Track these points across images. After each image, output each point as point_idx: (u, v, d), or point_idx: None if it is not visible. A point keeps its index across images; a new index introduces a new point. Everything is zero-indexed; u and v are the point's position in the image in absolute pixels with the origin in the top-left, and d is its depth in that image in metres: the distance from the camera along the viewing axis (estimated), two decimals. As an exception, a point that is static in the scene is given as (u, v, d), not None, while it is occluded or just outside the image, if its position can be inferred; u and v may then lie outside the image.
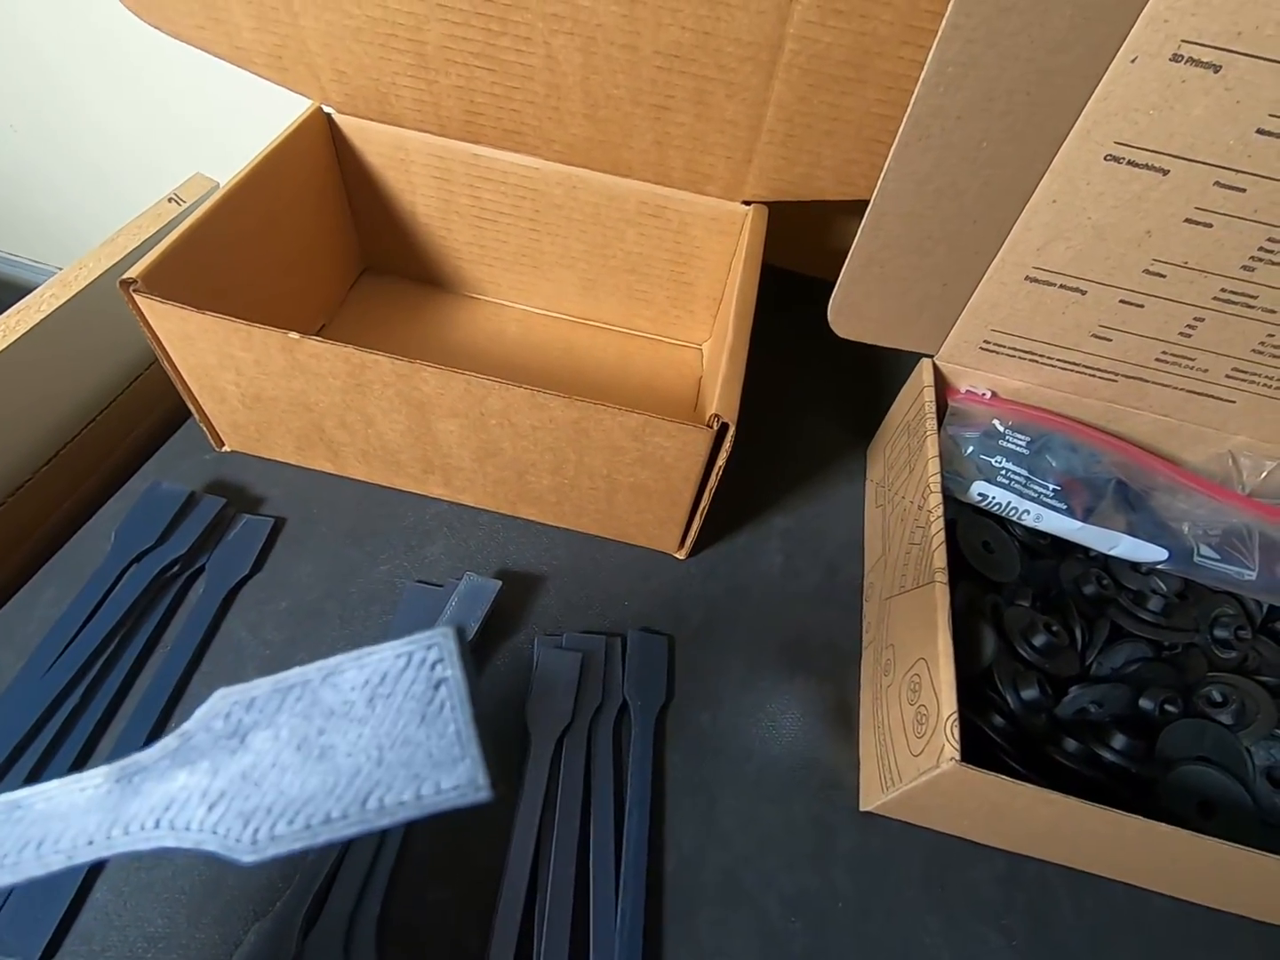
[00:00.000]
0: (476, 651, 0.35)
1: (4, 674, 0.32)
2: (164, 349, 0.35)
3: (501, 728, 0.33)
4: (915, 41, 0.33)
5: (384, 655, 0.11)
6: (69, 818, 0.11)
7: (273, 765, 0.10)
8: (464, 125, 0.42)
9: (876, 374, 0.52)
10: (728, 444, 0.32)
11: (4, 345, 0.37)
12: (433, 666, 0.11)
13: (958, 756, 0.26)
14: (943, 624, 0.30)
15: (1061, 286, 0.35)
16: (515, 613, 0.38)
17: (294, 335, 0.32)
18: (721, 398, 0.32)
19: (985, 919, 0.31)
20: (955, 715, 0.27)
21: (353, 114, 0.43)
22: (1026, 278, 0.35)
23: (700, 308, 0.49)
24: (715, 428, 0.31)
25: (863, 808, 0.34)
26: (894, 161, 0.30)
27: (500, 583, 0.36)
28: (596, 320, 0.52)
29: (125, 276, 0.32)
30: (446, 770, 0.10)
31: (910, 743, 0.30)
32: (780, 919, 0.31)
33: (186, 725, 0.12)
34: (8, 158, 0.85)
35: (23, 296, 0.40)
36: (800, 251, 0.52)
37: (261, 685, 0.11)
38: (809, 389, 0.51)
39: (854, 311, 0.37)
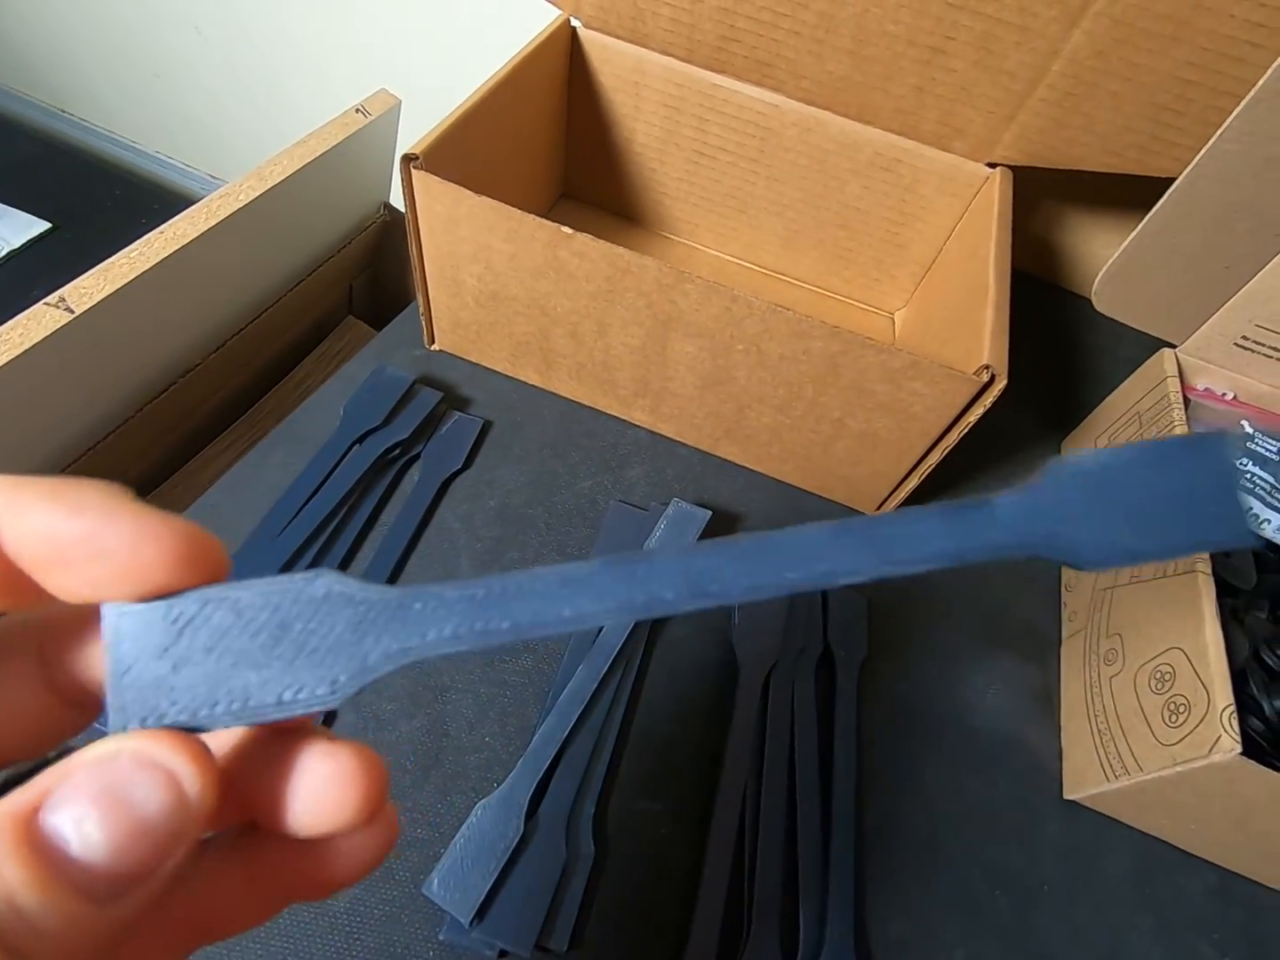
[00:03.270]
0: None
1: (237, 528, 0.33)
2: (418, 232, 0.35)
3: (709, 654, 0.33)
4: None
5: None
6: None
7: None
8: (714, 52, 0.41)
9: (1055, 371, 0.50)
10: (990, 397, 0.31)
11: (206, 228, 0.39)
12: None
13: (1239, 749, 0.25)
14: (1210, 614, 0.28)
15: (1357, 284, 0.33)
16: (712, 547, 0.37)
17: (567, 230, 0.31)
18: (992, 349, 0.31)
19: (1197, 929, 0.30)
20: (1233, 708, 0.26)
21: (600, 29, 0.42)
22: (1319, 270, 0.33)
23: (904, 273, 0.48)
24: (985, 379, 0.30)
25: (1067, 795, 0.32)
26: (1238, 120, 0.28)
27: (710, 512, 0.36)
28: (790, 276, 0.51)
29: (407, 152, 0.32)
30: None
31: (1159, 732, 0.28)
32: (985, 890, 0.30)
33: None
34: (185, 59, 0.87)
35: (170, 199, 0.42)
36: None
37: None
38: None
39: (1124, 284, 0.35)
